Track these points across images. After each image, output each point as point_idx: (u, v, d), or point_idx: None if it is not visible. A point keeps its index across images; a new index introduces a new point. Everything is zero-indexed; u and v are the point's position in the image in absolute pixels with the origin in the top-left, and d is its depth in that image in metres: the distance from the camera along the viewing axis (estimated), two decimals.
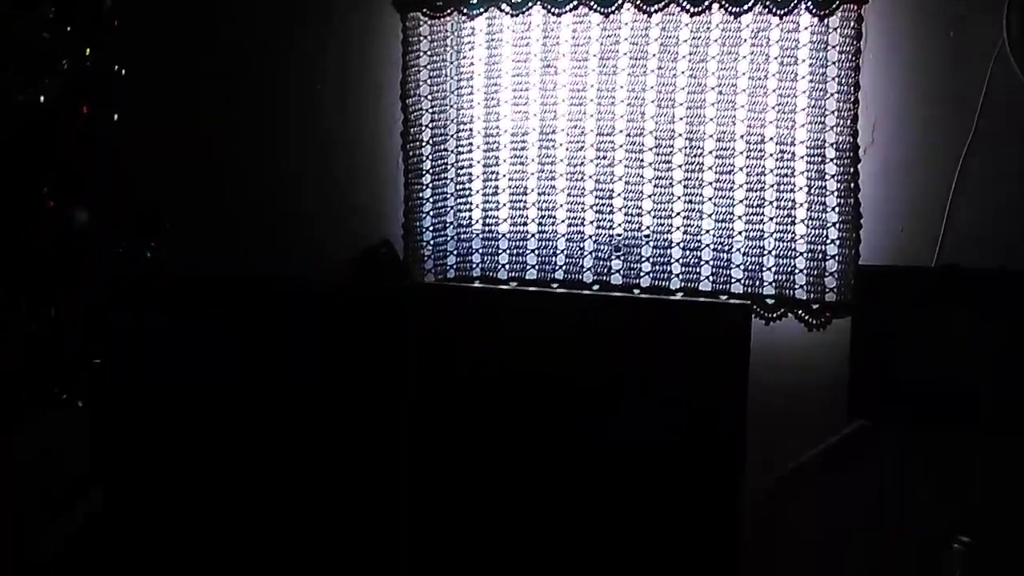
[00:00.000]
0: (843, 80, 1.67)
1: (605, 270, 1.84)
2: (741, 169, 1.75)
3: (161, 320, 1.78)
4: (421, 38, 1.89)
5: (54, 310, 1.73)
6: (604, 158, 1.82)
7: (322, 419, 1.70)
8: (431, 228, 1.94)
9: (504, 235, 1.90)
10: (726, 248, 1.76)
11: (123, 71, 1.64)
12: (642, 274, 1.81)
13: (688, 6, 1.73)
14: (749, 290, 1.75)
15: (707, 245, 1.77)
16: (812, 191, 1.71)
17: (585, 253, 1.85)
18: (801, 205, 1.72)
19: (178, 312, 1.78)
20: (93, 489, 1.88)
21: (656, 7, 1.74)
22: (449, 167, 1.93)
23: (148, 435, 1.78)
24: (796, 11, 1.68)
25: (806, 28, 1.71)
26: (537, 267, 1.88)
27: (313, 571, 1.72)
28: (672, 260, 1.80)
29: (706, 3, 1.72)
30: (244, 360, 1.73)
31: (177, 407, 1.76)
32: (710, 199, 1.77)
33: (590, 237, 1.85)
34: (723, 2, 1.71)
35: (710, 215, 1.77)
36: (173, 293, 1.79)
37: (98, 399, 1.75)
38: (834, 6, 1.66)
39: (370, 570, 1.67)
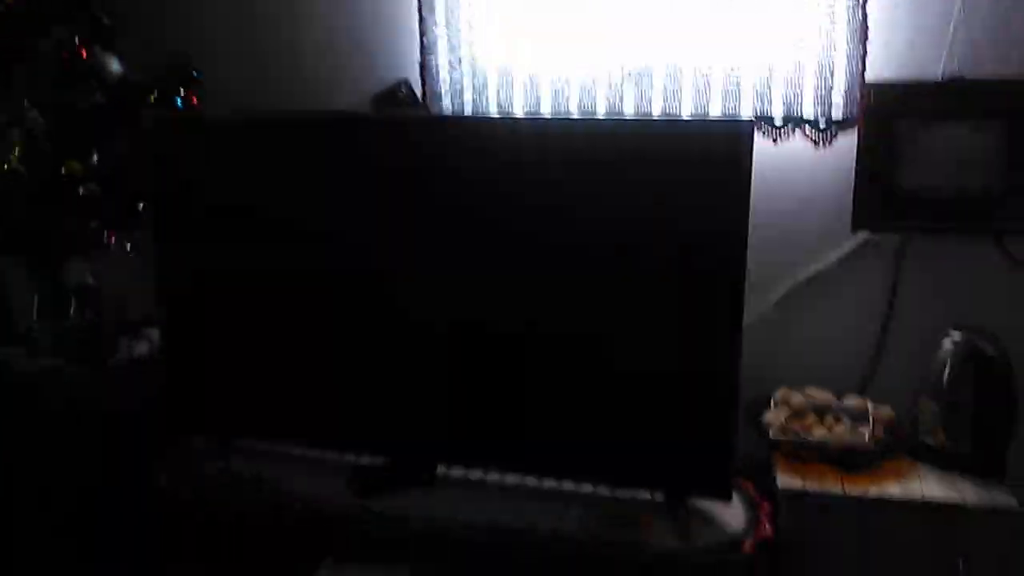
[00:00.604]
0: None
1: (618, 100, 1.92)
2: None
3: (199, 161, 1.84)
4: None
5: (96, 157, 1.81)
6: None
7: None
8: (447, 65, 1.99)
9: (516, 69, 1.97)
10: (736, 74, 1.85)
11: None
12: (652, 104, 1.90)
13: None
14: (758, 113, 1.85)
15: (715, 71, 1.86)
16: (820, 7, 1.78)
17: (598, 85, 1.92)
18: (809, 23, 1.79)
19: (213, 153, 1.84)
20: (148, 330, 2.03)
21: None
22: (461, 3, 1.96)
23: (195, 276, 1.90)
24: None
25: None
26: (551, 101, 1.97)
27: None
28: (681, 89, 1.88)
29: None
30: (283, 197, 1.81)
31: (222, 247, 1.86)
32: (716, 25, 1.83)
33: (603, 69, 1.92)
34: None
35: (717, 40, 1.84)
36: (207, 134, 1.85)
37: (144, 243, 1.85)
38: None
39: None
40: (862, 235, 1.85)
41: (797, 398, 1.79)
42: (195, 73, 2.05)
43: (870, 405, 1.76)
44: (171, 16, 2.15)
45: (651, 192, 1.57)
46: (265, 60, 2.14)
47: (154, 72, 1.98)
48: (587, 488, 1.76)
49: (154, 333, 2.04)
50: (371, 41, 2.05)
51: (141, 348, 2.01)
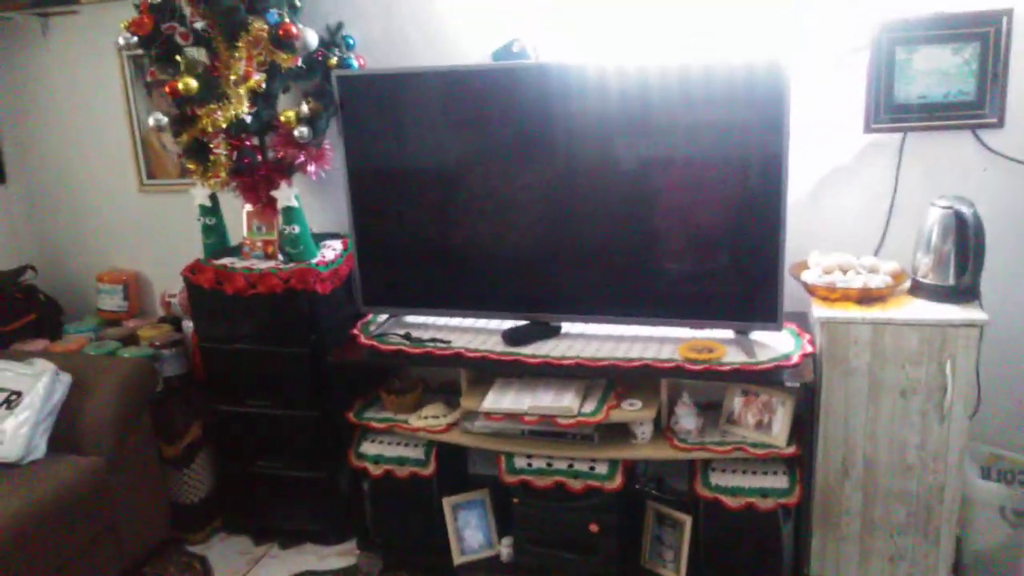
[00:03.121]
0: None
1: None
2: None
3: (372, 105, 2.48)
4: None
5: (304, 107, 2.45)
6: None
7: None
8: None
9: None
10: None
11: None
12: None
13: None
14: None
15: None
16: None
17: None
18: None
19: (380, 98, 2.48)
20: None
21: None
22: None
23: (376, 195, 2.55)
24: None
25: None
26: None
27: None
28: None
29: None
30: (433, 128, 2.45)
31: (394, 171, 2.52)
32: None
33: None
34: None
35: None
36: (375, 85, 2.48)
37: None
38: None
39: None
40: (871, 135, 2.46)
41: (827, 259, 2.42)
42: (348, 39, 2.66)
43: (880, 262, 2.39)
44: None
45: (720, 108, 2.21)
46: (402, 23, 2.74)
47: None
48: (675, 332, 2.44)
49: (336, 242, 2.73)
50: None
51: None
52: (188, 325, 2.97)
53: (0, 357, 2.70)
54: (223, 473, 2.89)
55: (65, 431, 2.51)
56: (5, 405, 2.47)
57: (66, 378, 2.56)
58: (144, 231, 3.26)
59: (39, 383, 2.49)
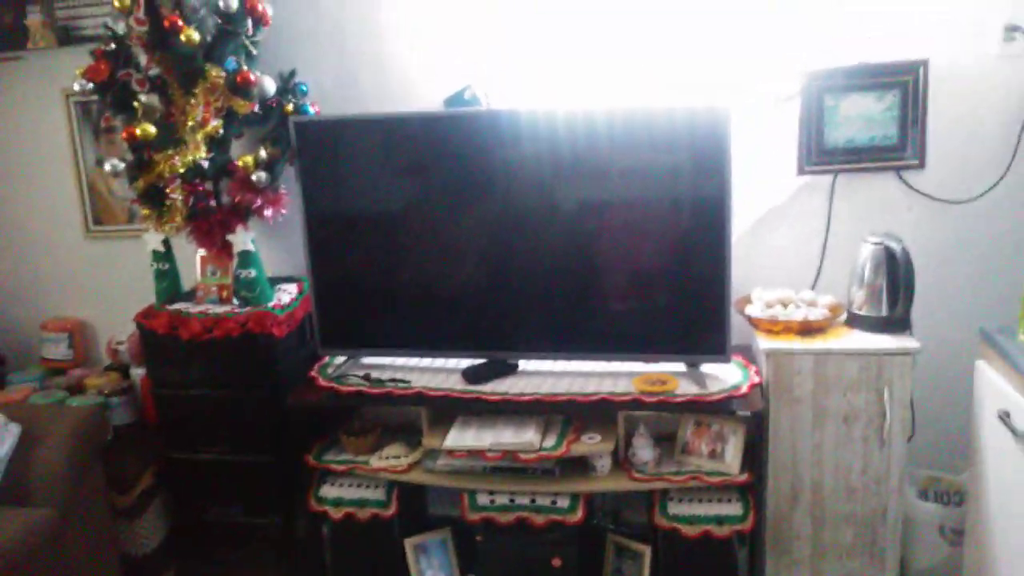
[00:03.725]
0: None
1: None
2: None
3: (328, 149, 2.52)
4: None
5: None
6: None
7: None
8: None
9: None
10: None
11: None
12: None
13: None
14: None
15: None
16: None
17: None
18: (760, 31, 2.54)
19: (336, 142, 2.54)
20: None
21: None
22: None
23: (332, 236, 2.59)
24: None
25: None
26: None
27: None
28: None
29: None
30: (388, 172, 2.52)
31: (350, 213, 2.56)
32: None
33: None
34: None
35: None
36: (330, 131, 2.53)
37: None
38: None
39: None
40: (804, 177, 2.62)
41: (768, 294, 2.55)
42: (302, 87, 2.70)
43: (817, 296, 2.53)
44: (282, 40, 2.75)
45: (664, 152, 2.33)
46: (355, 69, 2.80)
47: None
48: (627, 367, 2.52)
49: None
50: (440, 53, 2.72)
51: None
52: (137, 372, 2.92)
53: None
54: (176, 522, 2.83)
55: (14, 483, 2.43)
56: None
57: (15, 428, 2.50)
58: (90, 278, 3.21)
59: None
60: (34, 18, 2.80)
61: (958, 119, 2.48)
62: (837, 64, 2.50)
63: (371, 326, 2.64)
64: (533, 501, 2.39)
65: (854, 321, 2.44)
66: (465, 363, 2.57)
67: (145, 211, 2.46)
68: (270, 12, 2.56)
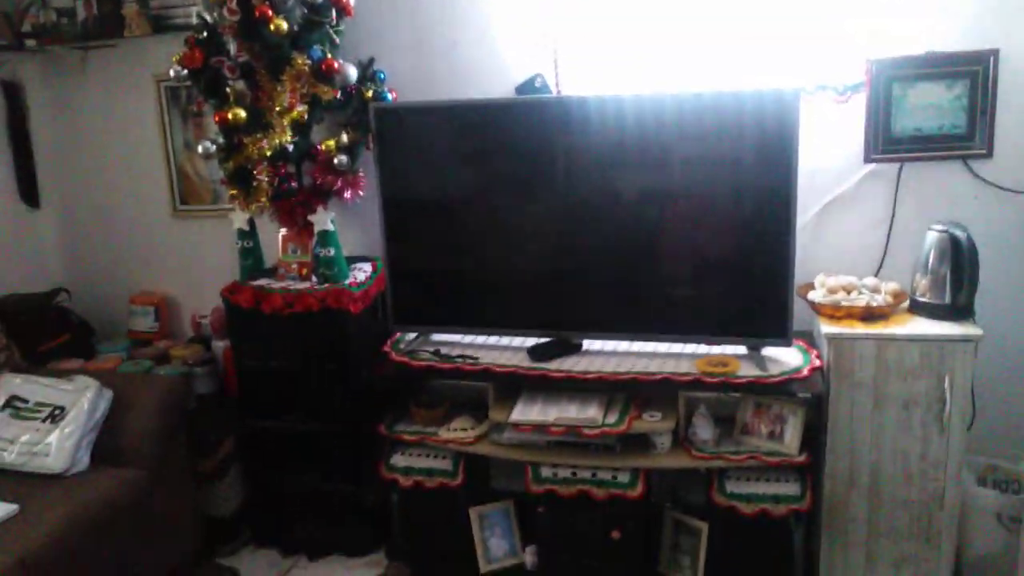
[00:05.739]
0: None
1: None
2: None
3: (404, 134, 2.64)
4: None
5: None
6: None
7: None
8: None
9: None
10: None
11: None
12: None
13: None
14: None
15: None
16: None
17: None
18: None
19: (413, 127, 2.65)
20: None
21: None
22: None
23: (408, 219, 2.70)
24: None
25: None
26: None
27: None
28: None
29: None
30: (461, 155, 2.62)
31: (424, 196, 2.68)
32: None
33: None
34: None
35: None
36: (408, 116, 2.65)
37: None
38: None
39: None
40: (871, 165, 2.65)
41: (832, 280, 2.58)
42: (380, 74, 2.82)
43: (881, 282, 2.56)
44: (363, 30, 2.88)
45: (733, 139, 2.38)
46: (430, 59, 2.92)
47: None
48: (689, 349, 2.59)
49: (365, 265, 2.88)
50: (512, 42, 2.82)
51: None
52: (218, 344, 3.09)
53: (40, 375, 2.82)
54: (254, 487, 3.00)
55: (107, 445, 2.61)
56: (49, 419, 2.58)
57: (108, 393, 2.68)
58: (176, 255, 3.40)
59: (83, 398, 2.61)
60: (131, 7, 2.96)
61: None
62: (906, 53, 2.51)
63: (441, 305, 2.76)
64: (594, 475, 2.48)
65: (917, 308, 2.46)
66: (530, 342, 2.67)
67: (233, 191, 2.61)
68: (353, 2, 2.69)
